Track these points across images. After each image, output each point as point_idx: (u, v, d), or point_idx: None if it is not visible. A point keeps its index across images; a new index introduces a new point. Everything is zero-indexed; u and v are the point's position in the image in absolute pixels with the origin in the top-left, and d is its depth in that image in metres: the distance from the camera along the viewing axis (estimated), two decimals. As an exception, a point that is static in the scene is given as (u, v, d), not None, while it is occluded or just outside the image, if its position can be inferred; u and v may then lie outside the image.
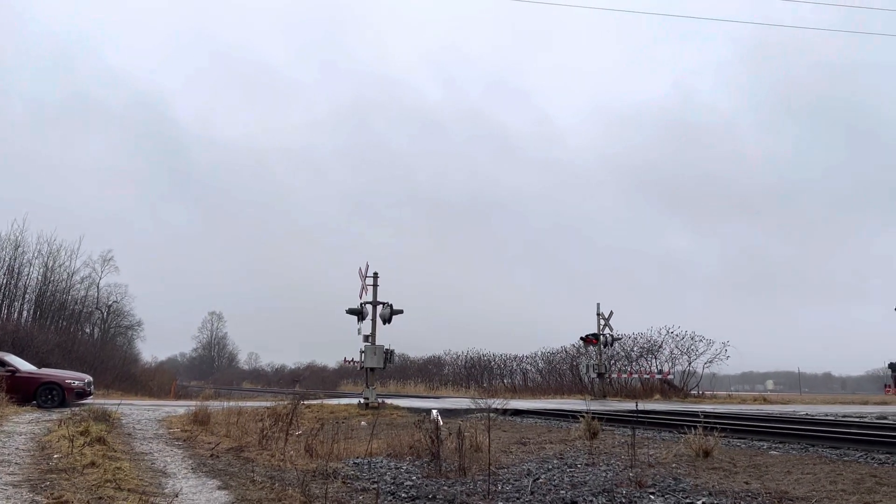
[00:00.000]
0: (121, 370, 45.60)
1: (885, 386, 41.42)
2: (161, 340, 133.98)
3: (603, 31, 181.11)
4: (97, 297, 57.72)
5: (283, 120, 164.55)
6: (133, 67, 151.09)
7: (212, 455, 9.35)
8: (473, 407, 12.82)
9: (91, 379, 20.04)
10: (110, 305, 60.50)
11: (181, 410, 16.53)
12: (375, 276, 21.75)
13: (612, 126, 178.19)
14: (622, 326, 39.97)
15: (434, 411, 12.30)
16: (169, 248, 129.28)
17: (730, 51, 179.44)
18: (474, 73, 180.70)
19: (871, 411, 21.07)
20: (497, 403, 11.63)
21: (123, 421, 14.00)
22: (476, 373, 49.05)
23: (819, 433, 11.52)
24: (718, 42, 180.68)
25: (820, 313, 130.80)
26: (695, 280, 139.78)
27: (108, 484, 6.57)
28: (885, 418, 16.95)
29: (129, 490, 6.36)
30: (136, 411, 17.03)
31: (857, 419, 16.07)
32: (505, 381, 46.88)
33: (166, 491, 6.60)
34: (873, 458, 9.19)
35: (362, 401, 20.69)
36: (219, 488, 6.85)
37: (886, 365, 39.25)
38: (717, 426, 10.05)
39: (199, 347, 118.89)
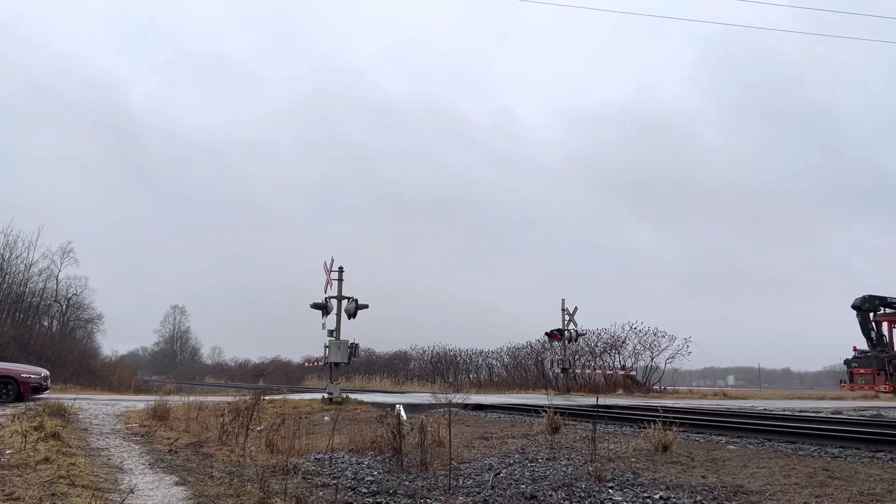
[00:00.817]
0: (80, 364, 44.57)
1: (841, 381, 42.46)
2: (122, 334, 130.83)
3: (567, 29, 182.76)
4: (56, 290, 56.43)
5: (244, 112, 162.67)
6: (91, 57, 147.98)
7: (170, 450, 9.20)
8: (437, 402, 12.82)
9: (48, 373, 19.57)
10: (69, 298, 59.11)
11: (141, 405, 16.24)
12: (340, 270, 21.65)
13: (577, 123, 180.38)
14: (586, 322, 40.44)
15: (398, 406, 12.29)
16: (130, 241, 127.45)
17: (694, 50, 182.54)
18: (437, 67, 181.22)
19: (826, 406, 21.67)
20: (460, 398, 11.64)
21: (80, 416, 13.71)
22: (442, 368, 49.07)
23: (775, 428, 11.77)
24: (683, 42, 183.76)
25: (780, 310, 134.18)
26: (658, 276, 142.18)
27: (62, 480, 6.41)
28: (839, 413, 17.42)
29: (83, 486, 6.21)
30: (94, 406, 16.69)
31: (812, 414, 16.48)
32: (471, 375, 47.06)
33: (122, 487, 6.47)
34: (826, 452, 9.43)
35: (326, 396, 20.57)
36: (176, 484, 6.74)
37: (843, 361, 40.27)
38: (677, 421, 10.23)
39: (161, 342, 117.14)
